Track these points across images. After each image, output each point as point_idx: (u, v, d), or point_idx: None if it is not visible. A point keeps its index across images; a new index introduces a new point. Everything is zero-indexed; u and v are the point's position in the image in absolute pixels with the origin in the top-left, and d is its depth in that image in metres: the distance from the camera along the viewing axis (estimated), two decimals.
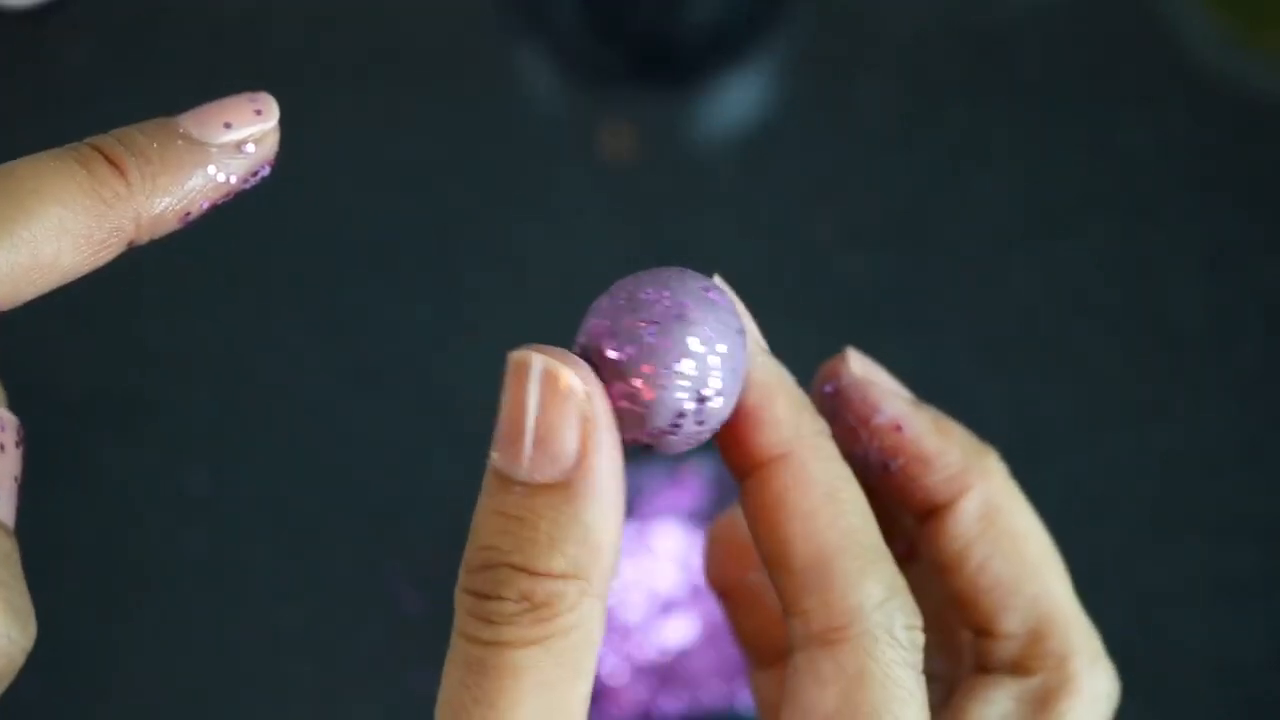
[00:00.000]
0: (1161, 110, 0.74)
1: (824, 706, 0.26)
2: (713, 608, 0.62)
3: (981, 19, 0.77)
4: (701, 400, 0.26)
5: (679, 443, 0.27)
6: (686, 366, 0.26)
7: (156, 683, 0.62)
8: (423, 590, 0.63)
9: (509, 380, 0.26)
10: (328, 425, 0.66)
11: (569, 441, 0.25)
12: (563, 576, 0.25)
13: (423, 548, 0.63)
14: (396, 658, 0.62)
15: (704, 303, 0.27)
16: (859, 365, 0.32)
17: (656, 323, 0.27)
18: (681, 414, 0.26)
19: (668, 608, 0.62)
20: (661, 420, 0.26)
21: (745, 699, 0.60)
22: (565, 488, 0.25)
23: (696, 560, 0.62)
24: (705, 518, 0.63)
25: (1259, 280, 0.70)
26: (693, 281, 0.28)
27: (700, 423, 0.27)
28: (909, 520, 0.32)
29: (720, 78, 0.75)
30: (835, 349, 0.68)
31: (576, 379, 0.25)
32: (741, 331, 0.28)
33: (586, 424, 0.25)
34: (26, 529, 0.68)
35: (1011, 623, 0.30)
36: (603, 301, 0.27)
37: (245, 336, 0.68)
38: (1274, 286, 0.70)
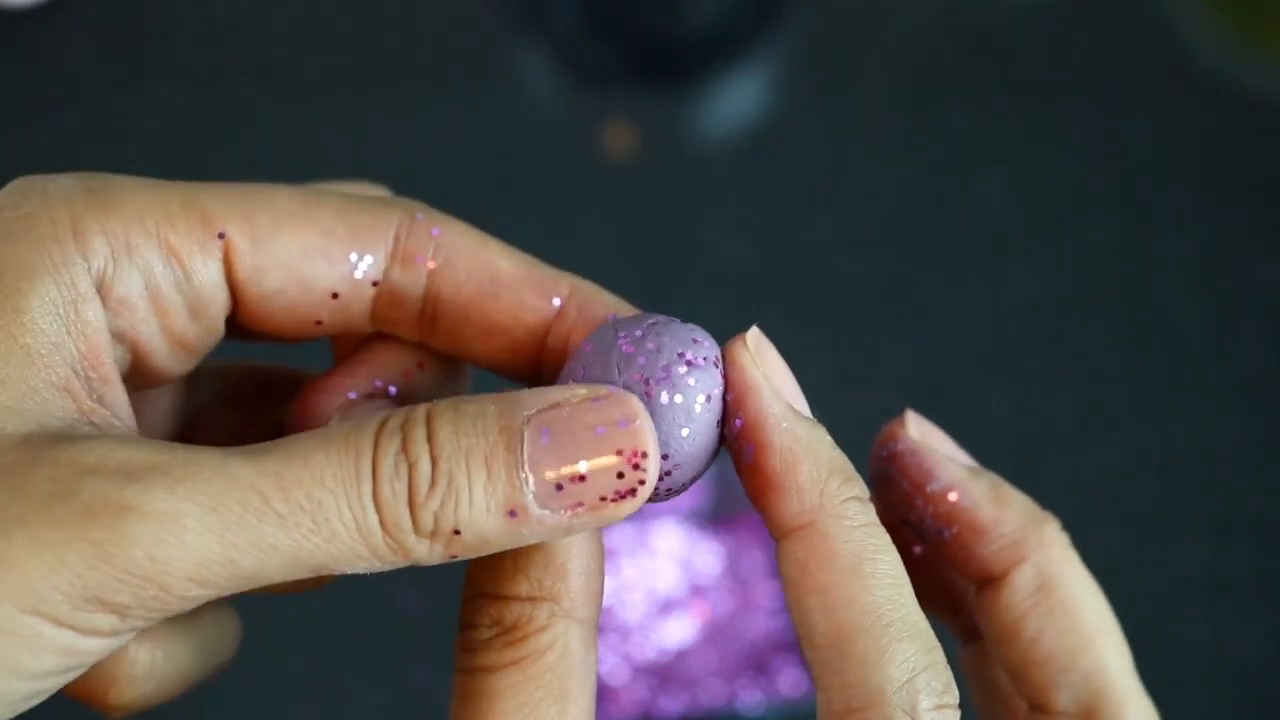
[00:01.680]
0: (1161, 110, 0.74)
1: None
2: (713, 608, 0.62)
3: (981, 19, 0.77)
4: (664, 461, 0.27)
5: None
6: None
7: None
8: (423, 590, 0.63)
9: None
10: None
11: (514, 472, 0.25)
12: (530, 599, 0.26)
13: None
14: (396, 657, 0.62)
15: (678, 365, 0.27)
16: (917, 429, 0.31)
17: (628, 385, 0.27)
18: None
19: (668, 608, 0.62)
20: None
21: (745, 699, 0.60)
22: (518, 513, 0.25)
23: (696, 560, 0.62)
24: (705, 518, 0.63)
25: (1259, 280, 0.70)
26: (671, 339, 0.27)
27: (664, 479, 0.27)
28: (972, 590, 0.32)
29: (720, 78, 0.76)
30: (835, 349, 0.68)
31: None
32: (719, 386, 0.27)
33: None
34: None
35: (1063, 699, 0.29)
36: (584, 348, 0.28)
37: None
38: (1274, 286, 0.70)
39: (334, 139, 0.73)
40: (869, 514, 0.27)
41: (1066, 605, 0.29)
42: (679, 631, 0.61)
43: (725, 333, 0.29)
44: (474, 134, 0.73)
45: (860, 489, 0.27)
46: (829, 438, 0.27)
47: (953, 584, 0.32)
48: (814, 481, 0.26)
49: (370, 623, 0.63)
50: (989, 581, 0.30)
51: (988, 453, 0.67)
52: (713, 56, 0.76)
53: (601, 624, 0.62)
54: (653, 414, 0.26)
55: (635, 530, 0.63)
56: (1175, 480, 0.65)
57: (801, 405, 0.28)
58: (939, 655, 0.26)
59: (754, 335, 0.28)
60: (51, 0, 0.76)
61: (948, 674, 0.26)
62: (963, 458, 0.31)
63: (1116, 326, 0.69)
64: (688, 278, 0.70)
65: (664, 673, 0.61)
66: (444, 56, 0.76)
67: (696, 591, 0.62)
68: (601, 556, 0.27)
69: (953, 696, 0.26)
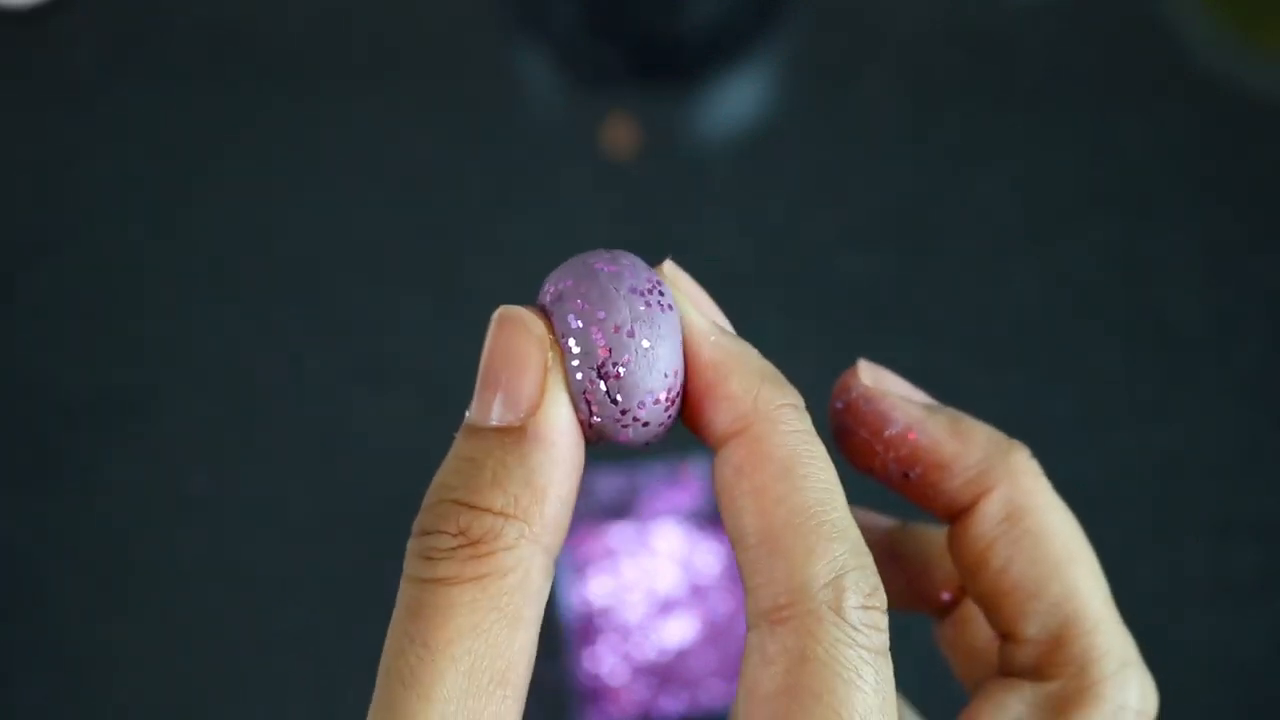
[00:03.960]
0: (1161, 110, 0.74)
1: (765, 687, 0.25)
2: (713, 608, 0.62)
3: (981, 19, 0.77)
4: (667, 388, 0.27)
5: (646, 429, 0.28)
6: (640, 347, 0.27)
7: (157, 683, 0.62)
8: None
9: (488, 334, 0.27)
10: (327, 425, 0.66)
11: (527, 385, 0.26)
12: (502, 514, 0.25)
13: None
14: None
15: (643, 291, 0.28)
16: (869, 376, 0.31)
17: (613, 314, 0.27)
18: (645, 397, 0.27)
19: (668, 608, 0.62)
20: (630, 401, 0.27)
21: None
22: (517, 431, 0.25)
23: (696, 560, 0.62)
24: (705, 518, 0.63)
25: (1259, 280, 0.70)
26: (631, 271, 0.28)
27: (659, 403, 0.27)
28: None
29: (720, 78, 0.76)
30: (835, 349, 0.68)
31: (542, 327, 0.26)
32: (673, 308, 0.28)
33: (546, 373, 0.26)
34: (27, 529, 0.69)
35: (1032, 627, 0.29)
36: (560, 287, 0.28)
37: (245, 336, 0.68)
38: (1274, 286, 0.70)
39: (334, 139, 0.73)
40: (804, 421, 0.27)
41: (1035, 532, 0.29)
42: (679, 631, 0.61)
43: None
44: (474, 134, 0.73)
45: (795, 397, 0.27)
46: (757, 351, 0.27)
47: (916, 566, 0.32)
48: (747, 390, 0.27)
49: (370, 622, 0.63)
50: (958, 516, 0.30)
51: None
52: (713, 56, 0.76)
53: (601, 624, 0.62)
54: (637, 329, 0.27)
55: (635, 530, 0.63)
56: (1175, 480, 0.65)
57: (726, 326, 0.28)
58: (869, 560, 0.26)
59: (670, 265, 0.28)
60: (51, 0, 0.76)
61: (876, 579, 0.26)
62: (920, 396, 0.30)
63: (1116, 326, 0.69)
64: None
65: (664, 673, 0.61)
66: (444, 56, 0.76)
67: (696, 591, 0.62)
68: (576, 492, 0.27)
69: (880, 600, 0.25)
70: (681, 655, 0.61)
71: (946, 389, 0.66)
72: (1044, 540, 0.29)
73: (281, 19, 0.76)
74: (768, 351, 0.28)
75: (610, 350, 0.27)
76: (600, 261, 0.28)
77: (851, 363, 0.32)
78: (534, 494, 0.25)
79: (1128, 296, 0.69)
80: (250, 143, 0.73)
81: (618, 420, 0.27)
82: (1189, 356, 0.68)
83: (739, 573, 0.27)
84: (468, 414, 0.26)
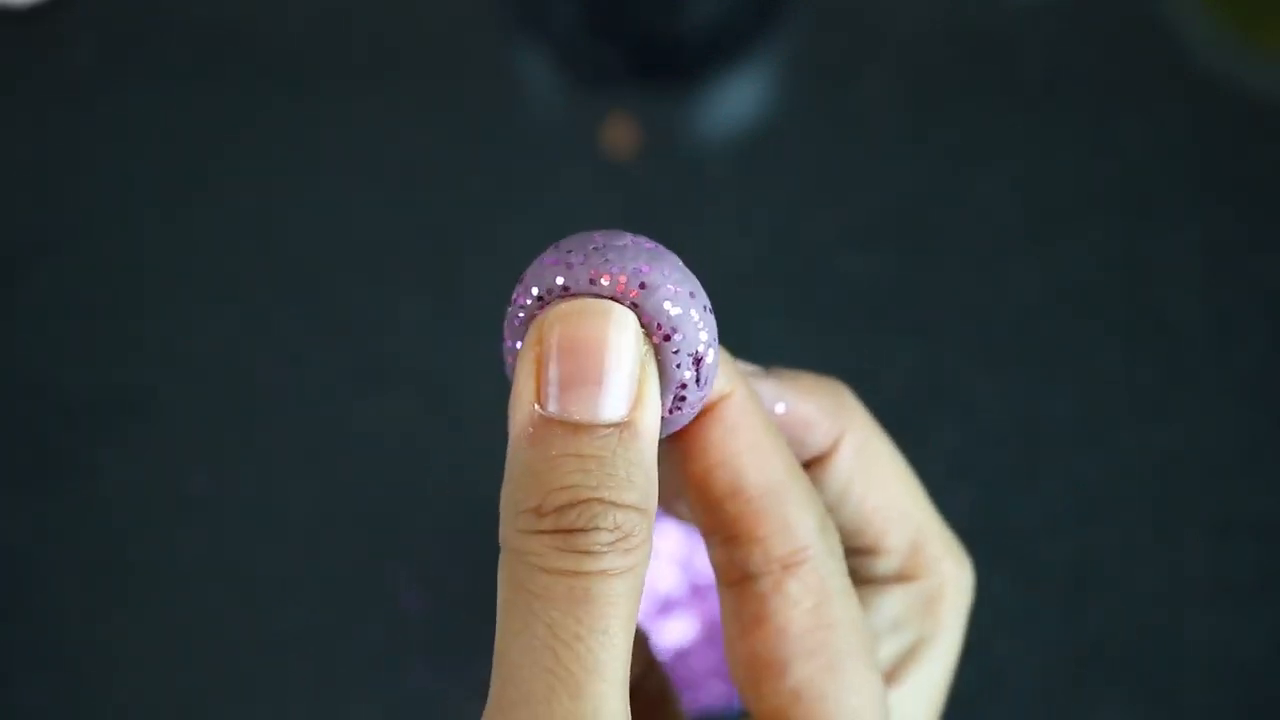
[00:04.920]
0: (1161, 110, 0.74)
1: (799, 624, 0.29)
2: (713, 608, 0.62)
3: (981, 19, 0.77)
4: (699, 361, 0.28)
5: (685, 413, 0.28)
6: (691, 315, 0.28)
7: (157, 683, 0.62)
8: (423, 590, 0.63)
9: (573, 330, 0.27)
10: (328, 425, 0.66)
11: (630, 380, 0.27)
12: (635, 509, 0.27)
13: (423, 548, 0.63)
14: (396, 658, 0.62)
15: (662, 255, 0.28)
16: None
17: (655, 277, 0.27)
18: (687, 377, 0.28)
19: (668, 608, 0.62)
20: (708, 385, 0.28)
21: None
22: (629, 426, 0.27)
23: (696, 560, 0.62)
24: None
25: (1259, 280, 0.70)
26: (635, 241, 0.29)
27: (700, 383, 0.28)
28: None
29: (720, 78, 0.76)
30: (835, 349, 0.68)
31: (635, 320, 0.27)
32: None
33: (642, 366, 0.27)
34: (27, 529, 0.69)
35: (896, 538, 0.33)
36: (630, 270, 0.28)
37: (245, 336, 0.68)
38: (1274, 286, 0.70)
39: (334, 139, 0.73)
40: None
41: (881, 459, 0.33)
42: (679, 631, 0.61)
43: (726, 334, 0.29)
44: (473, 134, 0.73)
45: (754, 367, 0.31)
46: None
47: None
48: (727, 355, 0.30)
49: (370, 622, 0.63)
50: (817, 460, 0.33)
51: (988, 452, 0.67)
52: (713, 56, 0.76)
53: None
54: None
55: None
56: (1175, 480, 0.65)
57: None
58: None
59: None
60: (52, 0, 0.76)
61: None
62: (751, 367, 0.32)
63: (1116, 326, 0.69)
64: None
65: None
66: (444, 56, 0.76)
67: (696, 591, 0.62)
68: None
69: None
70: (681, 655, 0.61)
71: (947, 389, 0.66)
72: (889, 465, 0.33)
73: (281, 19, 0.76)
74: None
75: (705, 330, 0.27)
76: (628, 239, 0.28)
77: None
78: (652, 485, 0.27)
79: (1128, 296, 0.69)
80: (250, 143, 0.73)
81: (694, 406, 0.28)
82: (1189, 356, 0.68)
83: (724, 530, 0.29)
84: (560, 409, 0.27)
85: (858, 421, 0.33)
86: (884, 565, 0.33)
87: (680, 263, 0.28)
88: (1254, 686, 0.62)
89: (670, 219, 0.71)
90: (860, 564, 0.33)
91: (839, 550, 0.30)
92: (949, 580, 0.33)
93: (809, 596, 0.29)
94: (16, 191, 0.72)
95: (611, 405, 0.27)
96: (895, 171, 0.72)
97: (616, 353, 0.27)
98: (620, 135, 0.73)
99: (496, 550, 0.27)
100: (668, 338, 0.27)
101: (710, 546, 0.31)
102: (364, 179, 0.72)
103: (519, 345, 0.28)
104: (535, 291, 0.27)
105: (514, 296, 0.28)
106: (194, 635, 0.62)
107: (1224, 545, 0.64)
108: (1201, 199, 0.72)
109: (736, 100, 0.75)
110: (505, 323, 0.28)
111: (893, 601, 0.33)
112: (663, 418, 0.28)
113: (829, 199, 0.72)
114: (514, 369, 0.28)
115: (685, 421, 0.29)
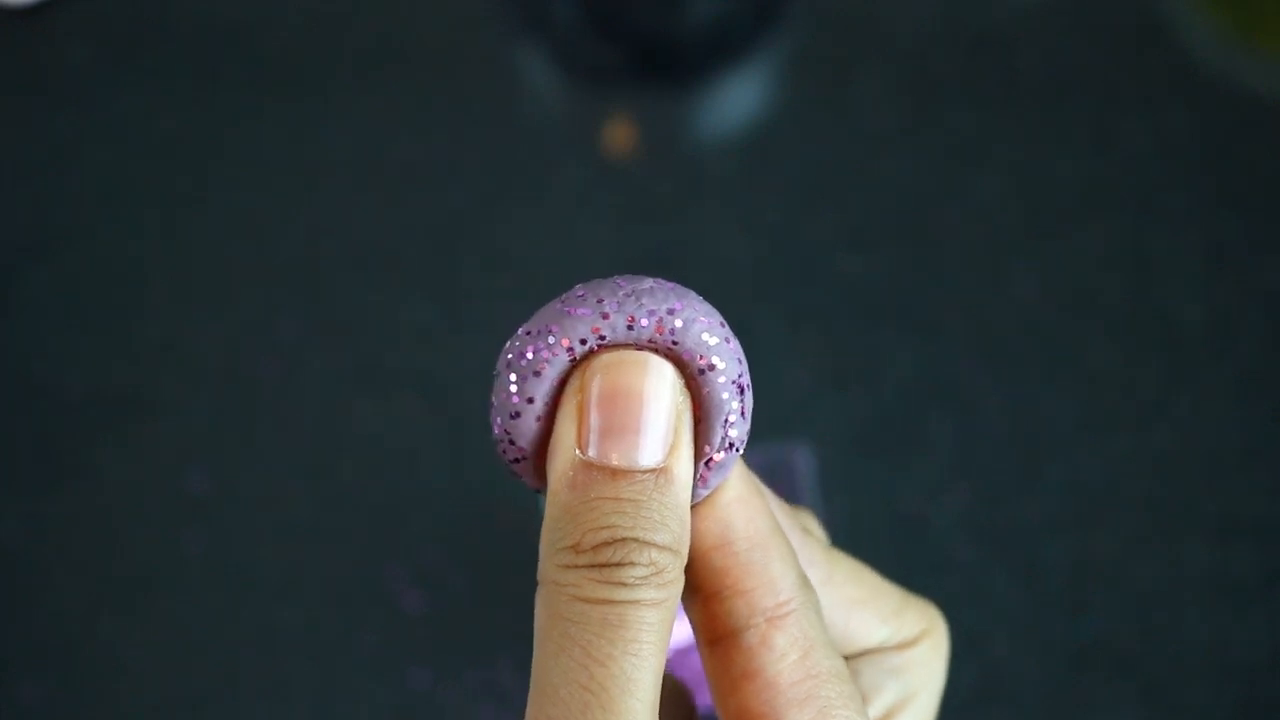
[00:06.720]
0: (1162, 110, 0.74)
1: (787, 676, 0.29)
2: None
3: (981, 19, 0.77)
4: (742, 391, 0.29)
5: (724, 467, 0.30)
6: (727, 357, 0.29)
7: (156, 682, 0.62)
8: (423, 590, 0.63)
9: (613, 380, 0.29)
10: (327, 425, 0.66)
11: (667, 429, 0.29)
12: (669, 549, 0.28)
13: (423, 548, 0.63)
14: (396, 658, 0.62)
15: (689, 296, 0.29)
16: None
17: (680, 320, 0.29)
18: (730, 413, 0.29)
19: None
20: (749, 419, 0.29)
21: None
22: (665, 472, 0.28)
23: None
24: None
25: (1259, 280, 0.70)
26: (658, 283, 0.29)
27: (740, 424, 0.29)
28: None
29: (720, 78, 0.76)
30: (835, 349, 0.68)
31: (673, 370, 0.29)
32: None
33: (678, 416, 0.29)
34: (27, 529, 0.69)
35: (884, 630, 0.34)
36: (663, 312, 0.28)
37: (245, 336, 0.68)
38: (1274, 287, 0.70)
39: (334, 139, 0.73)
40: None
41: (839, 565, 0.34)
42: (679, 631, 0.61)
43: None
44: (474, 134, 0.73)
45: None
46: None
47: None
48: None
49: (370, 623, 0.63)
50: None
51: (988, 453, 0.67)
52: (713, 56, 0.76)
53: None
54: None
55: None
56: (1175, 480, 0.65)
57: None
58: None
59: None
60: (51, 0, 0.76)
61: None
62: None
63: (1116, 326, 0.69)
64: (687, 277, 0.69)
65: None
66: (444, 56, 0.76)
67: None
68: None
69: None
70: (681, 655, 0.61)
71: (946, 389, 0.66)
72: (846, 561, 0.34)
73: (281, 19, 0.76)
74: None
75: (740, 357, 0.29)
76: (650, 282, 0.29)
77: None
78: (685, 529, 0.29)
79: (1128, 296, 0.69)
80: (250, 142, 0.73)
81: (738, 447, 0.29)
82: (1189, 356, 0.68)
83: (710, 583, 0.30)
84: (601, 455, 0.29)
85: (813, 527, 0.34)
86: (875, 635, 0.34)
87: (702, 298, 0.29)
88: (1254, 686, 0.62)
89: (670, 219, 0.71)
90: (847, 637, 0.34)
91: (818, 603, 0.30)
92: (928, 639, 0.34)
93: (795, 648, 0.29)
94: (16, 191, 0.72)
95: (649, 452, 0.28)
96: (895, 171, 0.72)
97: (655, 402, 0.29)
98: (620, 135, 0.73)
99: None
100: (712, 367, 0.28)
101: (689, 607, 0.32)
102: (364, 179, 0.72)
103: (533, 398, 0.29)
104: (567, 344, 0.28)
105: (527, 348, 0.29)
106: (194, 635, 0.62)
107: (1224, 545, 0.64)
108: (1201, 199, 0.72)
109: (736, 100, 0.75)
110: (508, 376, 0.29)
111: (874, 667, 0.34)
112: (710, 462, 0.29)
113: (829, 199, 0.72)
114: (520, 423, 0.29)
115: (727, 473, 0.30)
